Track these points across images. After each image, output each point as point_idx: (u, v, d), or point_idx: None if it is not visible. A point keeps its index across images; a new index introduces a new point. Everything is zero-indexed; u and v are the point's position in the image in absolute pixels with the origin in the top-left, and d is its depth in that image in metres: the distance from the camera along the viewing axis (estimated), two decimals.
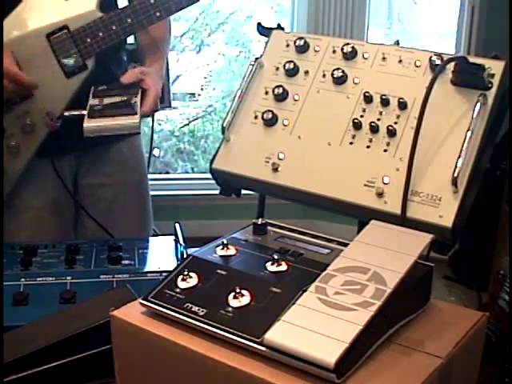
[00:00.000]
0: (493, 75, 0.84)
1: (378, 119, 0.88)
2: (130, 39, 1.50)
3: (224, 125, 0.96)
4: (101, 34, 1.30)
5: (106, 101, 1.29)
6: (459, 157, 0.80)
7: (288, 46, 0.98)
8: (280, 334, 0.64)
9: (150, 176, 1.67)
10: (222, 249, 0.78)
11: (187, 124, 4.00)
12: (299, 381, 0.62)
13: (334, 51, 0.95)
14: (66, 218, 1.50)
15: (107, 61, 1.41)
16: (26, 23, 1.30)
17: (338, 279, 0.68)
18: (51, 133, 1.34)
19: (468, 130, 0.81)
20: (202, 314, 0.69)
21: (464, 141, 0.81)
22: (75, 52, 1.31)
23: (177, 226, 1.21)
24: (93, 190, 1.50)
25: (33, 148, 1.35)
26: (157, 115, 3.24)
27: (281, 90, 0.94)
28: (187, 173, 3.94)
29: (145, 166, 1.62)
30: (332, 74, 0.92)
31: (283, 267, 0.74)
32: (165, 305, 0.71)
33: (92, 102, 1.29)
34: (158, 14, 1.31)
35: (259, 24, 1.02)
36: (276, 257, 0.75)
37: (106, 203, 1.50)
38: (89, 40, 1.30)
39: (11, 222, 1.39)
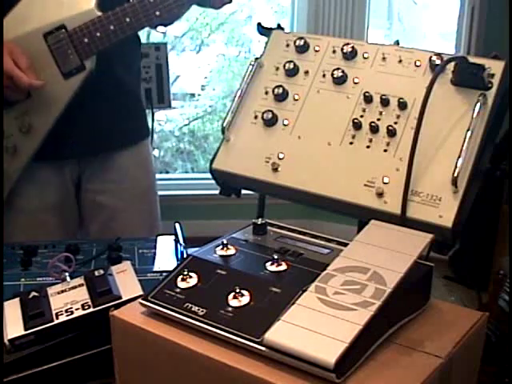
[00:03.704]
0: (493, 75, 0.84)
1: (378, 119, 0.88)
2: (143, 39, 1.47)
3: (224, 125, 0.96)
4: (98, 34, 1.27)
5: None
6: (459, 157, 0.80)
7: (288, 45, 0.98)
8: (280, 333, 0.64)
9: None
10: (222, 249, 0.78)
11: (187, 124, 4.00)
12: (299, 381, 0.62)
13: (334, 51, 0.95)
14: (68, 222, 1.49)
15: (111, 63, 1.38)
16: (24, 23, 1.29)
17: (338, 279, 0.68)
18: (52, 136, 1.32)
19: (468, 130, 0.81)
20: (201, 313, 0.69)
21: (464, 141, 0.81)
22: (72, 52, 1.28)
23: (177, 225, 1.21)
24: (94, 195, 1.49)
25: (31, 150, 1.33)
26: (157, 115, 3.26)
27: (281, 90, 0.94)
28: (187, 173, 3.94)
29: (153, 173, 1.58)
30: (332, 74, 0.92)
31: (283, 267, 0.74)
32: (165, 305, 0.71)
33: None
34: (157, 12, 1.28)
35: (259, 24, 1.02)
36: (276, 257, 0.75)
37: (107, 210, 1.49)
38: (86, 40, 1.28)
39: (10, 223, 1.38)
